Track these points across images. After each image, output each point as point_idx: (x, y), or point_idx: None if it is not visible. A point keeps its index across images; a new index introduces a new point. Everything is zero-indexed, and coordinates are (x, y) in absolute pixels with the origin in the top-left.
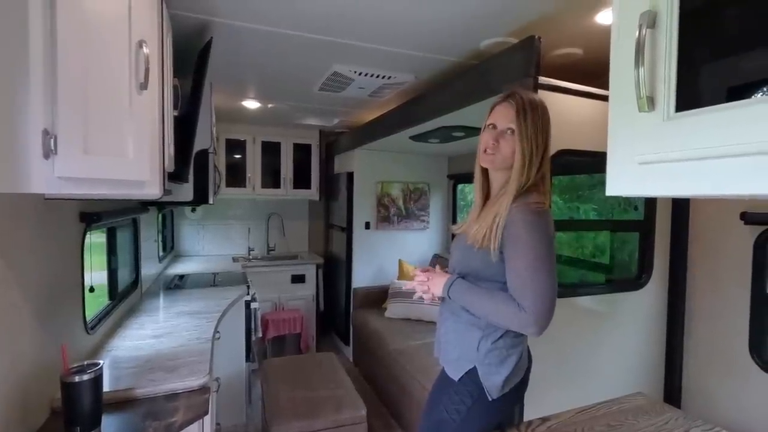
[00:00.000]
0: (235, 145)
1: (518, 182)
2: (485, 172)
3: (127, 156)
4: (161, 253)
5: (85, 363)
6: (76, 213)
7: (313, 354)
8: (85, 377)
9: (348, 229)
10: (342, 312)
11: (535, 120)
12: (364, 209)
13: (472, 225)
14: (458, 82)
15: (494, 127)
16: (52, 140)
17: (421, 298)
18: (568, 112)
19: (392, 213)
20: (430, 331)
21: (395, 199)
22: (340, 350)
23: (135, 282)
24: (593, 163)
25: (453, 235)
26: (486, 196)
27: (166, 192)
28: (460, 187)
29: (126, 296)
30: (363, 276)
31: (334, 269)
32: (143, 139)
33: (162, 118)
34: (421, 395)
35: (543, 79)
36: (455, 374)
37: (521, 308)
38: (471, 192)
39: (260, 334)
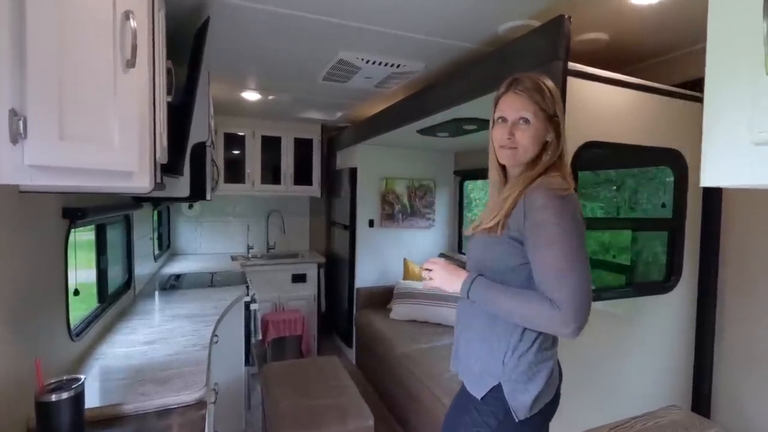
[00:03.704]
0: (234, 140)
1: (545, 166)
2: (503, 169)
3: (112, 143)
4: (157, 252)
5: (64, 378)
6: (58, 208)
7: (315, 358)
8: (64, 395)
9: (351, 227)
10: (344, 313)
11: (546, 99)
12: (367, 206)
13: (485, 218)
14: (475, 70)
15: (504, 120)
16: (20, 122)
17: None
18: (597, 102)
19: (397, 210)
20: (437, 334)
21: (400, 196)
22: (343, 352)
23: (127, 283)
24: (622, 156)
25: (459, 241)
26: None
27: (158, 185)
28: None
29: (117, 298)
30: (366, 275)
31: (336, 268)
32: (131, 125)
33: (153, 103)
34: (430, 402)
35: (572, 65)
36: (477, 392)
37: (555, 305)
38: (477, 189)
39: (260, 337)
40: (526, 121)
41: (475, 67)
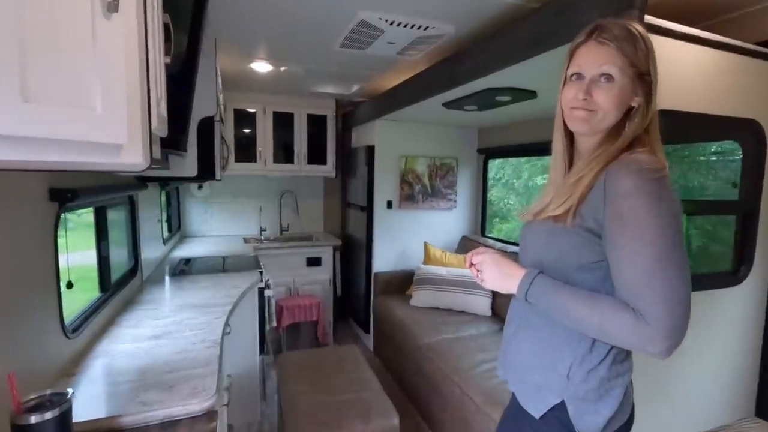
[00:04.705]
0: (244, 117)
1: (630, 138)
2: (569, 138)
3: (93, 108)
4: (166, 235)
5: (47, 393)
6: (44, 190)
7: (333, 347)
8: (47, 416)
9: (368, 209)
10: (361, 298)
11: (639, 51)
12: (385, 187)
13: (550, 200)
14: (520, 28)
15: (580, 76)
16: None
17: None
18: (673, 62)
19: (417, 191)
20: (462, 323)
21: (420, 176)
22: (359, 338)
23: (133, 269)
24: (689, 128)
25: (483, 223)
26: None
27: (156, 162)
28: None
29: (122, 286)
30: (385, 260)
31: (353, 252)
32: (116, 85)
33: (147, 61)
34: (457, 399)
35: (648, 18)
36: (535, 409)
37: (640, 316)
38: (504, 169)
39: (275, 324)
40: (609, 78)
41: (521, 24)
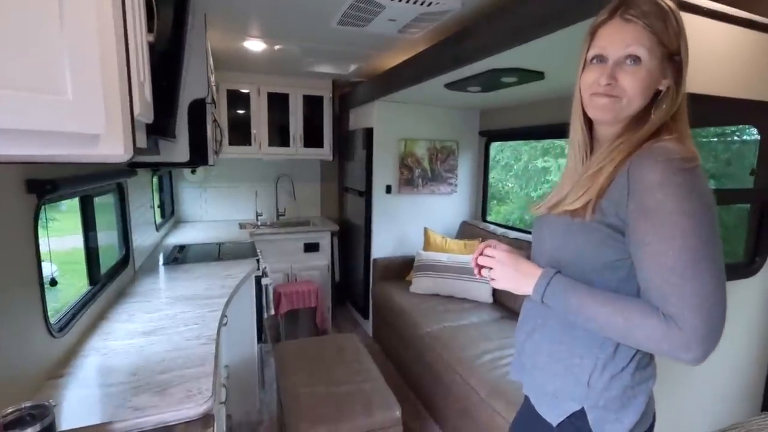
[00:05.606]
0: (237, 98)
1: (656, 125)
2: (588, 125)
3: (63, 92)
4: (159, 221)
5: (27, 405)
6: (21, 181)
7: (333, 336)
8: None
9: (367, 194)
10: (360, 283)
11: (669, 29)
12: (384, 171)
13: (567, 193)
14: (532, 2)
15: (602, 59)
16: None
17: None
18: (700, 42)
19: (416, 175)
20: (464, 311)
21: (420, 159)
22: (359, 324)
23: (125, 258)
24: (706, 113)
25: (484, 208)
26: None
27: (140, 151)
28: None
29: (113, 278)
30: (384, 245)
31: (351, 237)
32: (90, 67)
33: (126, 39)
34: (460, 389)
35: None
36: (552, 416)
37: (670, 320)
38: (503, 151)
39: (272, 312)
40: (636, 60)
41: None
